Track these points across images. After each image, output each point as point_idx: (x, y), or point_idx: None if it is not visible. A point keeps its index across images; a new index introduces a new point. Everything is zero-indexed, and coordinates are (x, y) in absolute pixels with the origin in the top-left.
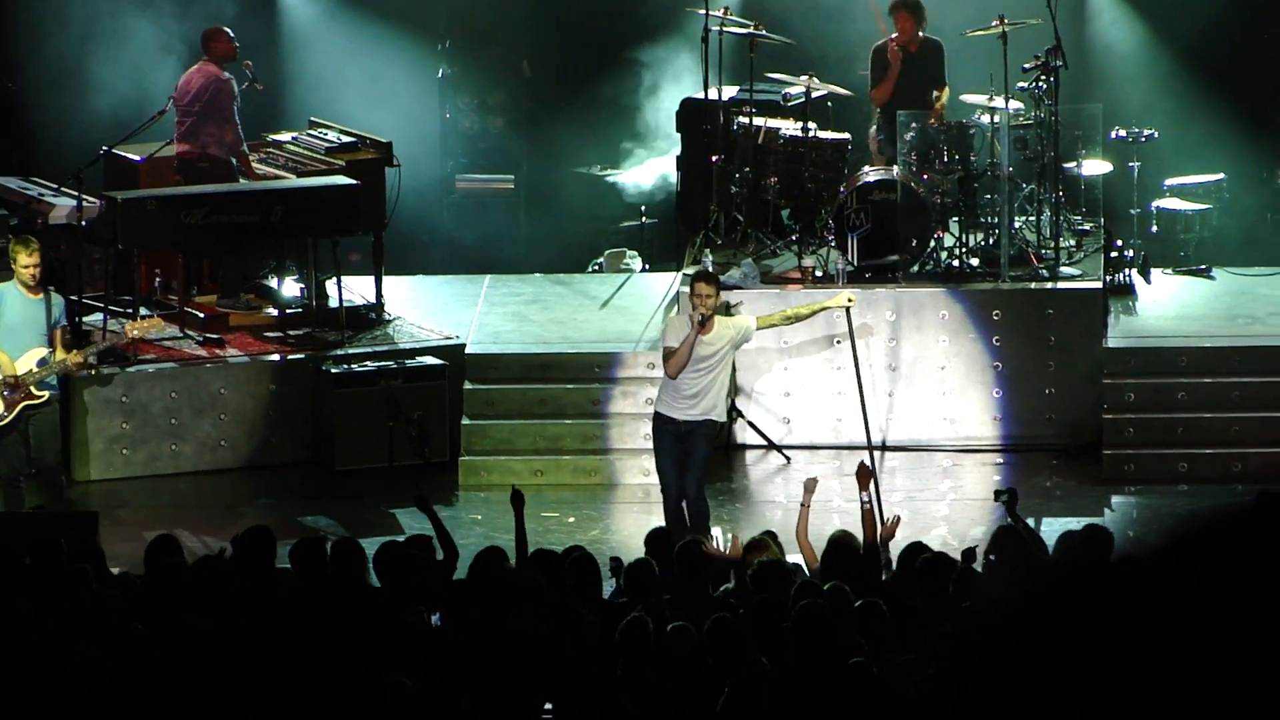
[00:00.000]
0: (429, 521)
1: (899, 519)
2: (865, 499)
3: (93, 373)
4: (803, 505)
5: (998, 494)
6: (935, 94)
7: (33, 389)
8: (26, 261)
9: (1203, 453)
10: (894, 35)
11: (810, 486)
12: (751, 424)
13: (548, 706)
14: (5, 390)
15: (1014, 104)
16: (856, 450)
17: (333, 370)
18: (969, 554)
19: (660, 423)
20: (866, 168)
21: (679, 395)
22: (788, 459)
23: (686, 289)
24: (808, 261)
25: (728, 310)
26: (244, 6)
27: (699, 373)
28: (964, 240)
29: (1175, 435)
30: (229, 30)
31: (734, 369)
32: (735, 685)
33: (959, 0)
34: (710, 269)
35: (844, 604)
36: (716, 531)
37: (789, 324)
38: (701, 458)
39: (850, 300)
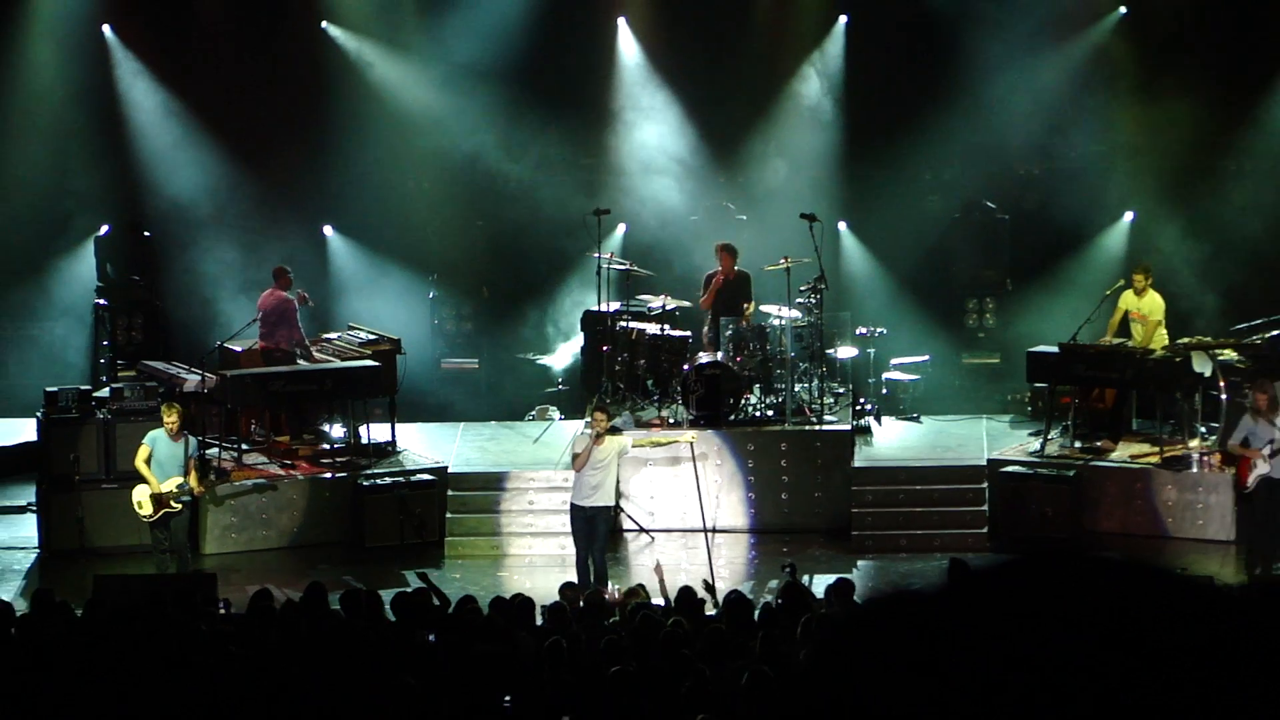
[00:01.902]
0: (427, 584)
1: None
2: (660, 572)
3: (209, 494)
4: (658, 571)
5: (783, 566)
6: (745, 306)
7: (172, 503)
8: (170, 418)
9: (914, 532)
10: (719, 269)
11: (659, 567)
12: (629, 515)
13: (506, 699)
14: (155, 502)
15: (794, 312)
16: (695, 532)
17: (363, 483)
18: (768, 605)
19: (574, 511)
20: (701, 353)
21: (584, 488)
22: (652, 538)
23: (590, 417)
24: (664, 413)
25: (614, 432)
26: (303, 246)
27: (596, 470)
28: (763, 400)
29: (897, 521)
30: (288, 268)
31: (618, 480)
32: (615, 679)
33: (760, 246)
34: (606, 410)
35: (688, 628)
36: (611, 585)
37: (654, 448)
38: (602, 534)
39: (693, 437)
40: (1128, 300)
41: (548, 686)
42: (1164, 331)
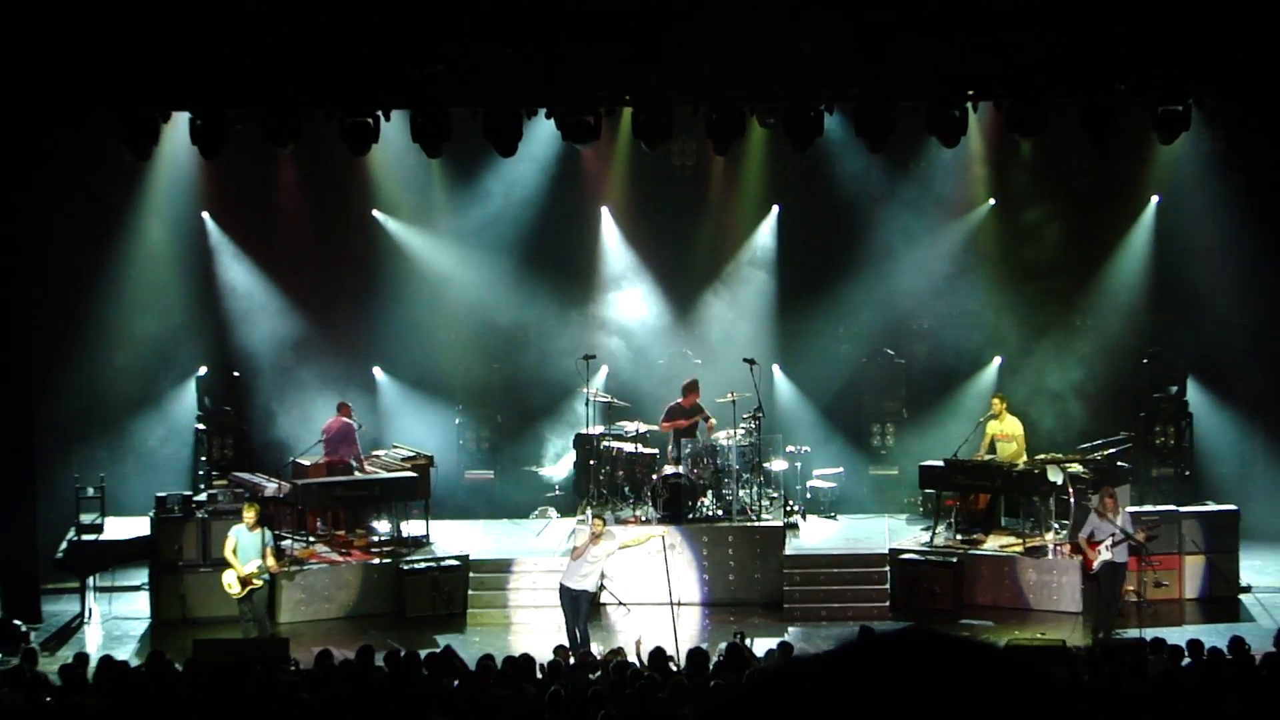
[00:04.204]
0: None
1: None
2: (639, 644)
3: (284, 573)
4: (637, 643)
5: (735, 634)
6: (709, 421)
7: (254, 580)
8: (250, 514)
9: (833, 605)
10: (681, 399)
11: (639, 641)
12: (610, 591)
13: None
14: (241, 583)
15: (739, 435)
16: (663, 605)
17: (404, 567)
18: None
19: (562, 590)
20: (666, 466)
21: (574, 574)
22: (628, 609)
23: (589, 521)
24: (637, 512)
25: (609, 536)
26: (357, 384)
27: (589, 563)
28: (714, 502)
29: (819, 596)
30: (349, 402)
31: (603, 570)
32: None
33: (711, 383)
34: (602, 518)
35: (660, 681)
36: (596, 646)
37: (637, 545)
38: (584, 611)
39: (665, 533)
40: (993, 427)
41: None
42: (1023, 447)
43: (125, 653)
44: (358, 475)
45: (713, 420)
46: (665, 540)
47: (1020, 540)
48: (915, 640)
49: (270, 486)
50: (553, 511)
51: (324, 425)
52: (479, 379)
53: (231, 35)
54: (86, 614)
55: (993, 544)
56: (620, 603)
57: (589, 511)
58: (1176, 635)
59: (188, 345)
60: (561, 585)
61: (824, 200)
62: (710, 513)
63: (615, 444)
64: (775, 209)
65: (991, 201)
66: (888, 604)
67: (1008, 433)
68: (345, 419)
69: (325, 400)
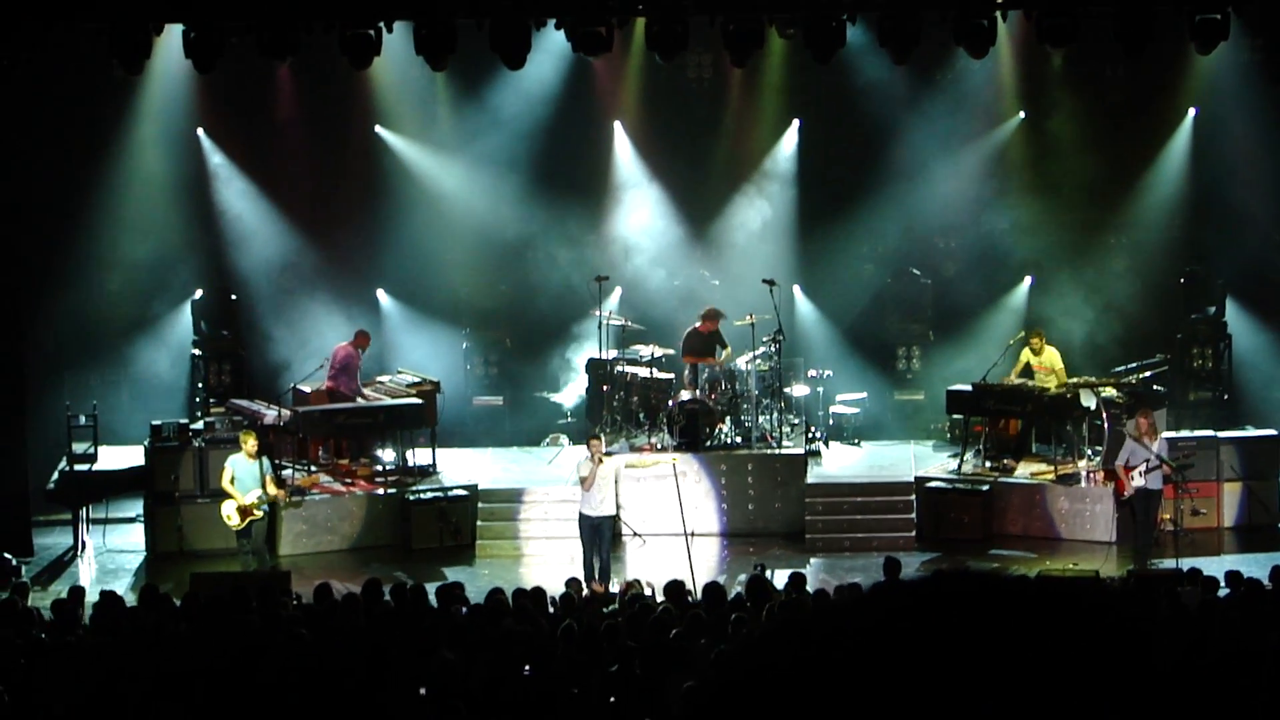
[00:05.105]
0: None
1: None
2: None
3: (288, 502)
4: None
5: (755, 565)
6: (724, 351)
7: (255, 511)
8: (249, 443)
9: (856, 535)
10: (699, 324)
11: (634, 583)
12: (625, 523)
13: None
14: (241, 514)
15: (759, 359)
16: (677, 536)
17: (410, 497)
18: (737, 597)
19: (582, 520)
20: (683, 392)
21: (591, 501)
22: (644, 540)
23: (588, 445)
24: (653, 440)
25: (611, 455)
26: (360, 307)
27: (598, 487)
28: (733, 429)
29: (842, 527)
30: (368, 330)
31: (616, 493)
32: (617, 657)
33: (729, 305)
34: (598, 436)
35: (676, 614)
36: (613, 579)
37: (645, 468)
38: (606, 538)
39: (675, 460)
40: (1028, 356)
41: (561, 660)
42: (1063, 379)
43: (120, 587)
44: (360, 402)
45: (728, 349)
46: (677, 467)
47: (1052, 467)
48: (955, 588)
49: (270, 414)
50: (565, 439)
51: (334, 349)
52: (487, 301)
53: None
54: (79, 547)
55: (1023, 471)
56: (635, 534)
57: (601, 438)
58: (1214, 565)
59: (183, 268)
60: (581, 514)
61: (846, 115)
62: (729, 440)
63: (629, 369)
64: (795, 124)
65: (1022, 115)
66: (913, 534)
67: (1047, 365)
68: (353, 348)
69: (329, 325)
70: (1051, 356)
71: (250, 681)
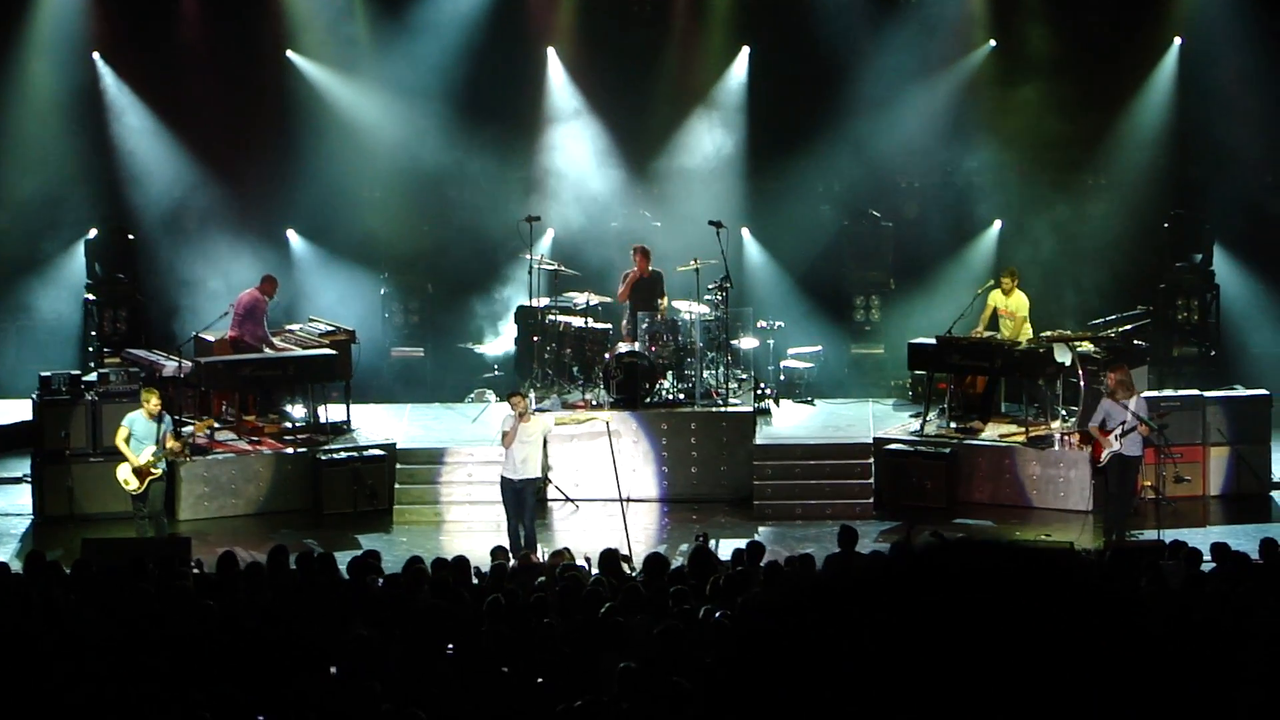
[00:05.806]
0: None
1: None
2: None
3: (186, 457)
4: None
5: (697, 535)
6: (660, 301)
7: (152, 469)
8: (152, 401)
9: (809, 502)
10: (634, 268)
11: (563, 552)
12: (556, 486)
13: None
14: (138, 475)
15: (703, 308)
16: (613, 502)
17: (321, 457)
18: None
19: (504, 484)
20: (620, 344)
21: (513, 462)
22: (576, 506)
23: (509, 401)
24: (588, 396)
25: (539, 412)
26: (268, 248)
27: (522, 445)
28: (675, 385)
29: (794, 492)
30: (276, 278)
31: (545, 454)
32: (545, 631)
33: (672, 249)
34: (520, 390)
35: (608, 585)
36: (540, 548)
37: (575, 426)
38: (530, 504)
39: (609, 417)
40: (996, 299)
41: (488, 638)
42: (1029, 326)
43: (4, 554)
44: (268, 353)
45: (664, 302)
46: (610, 425)
47: (1022, 429)
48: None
49: (169, 365)
50: (490, 394)
51: (238, 296)
52: (407, 243)
53: None
54: None
55: (991, 433)
56: (567, 499)
57: (530, 393)
58: (1199, 537)
59: (76, 204)
60: (502, 478)
61: (801, 41)
62: (671, 396)
63: (563, 318)
64: (745, 51)
65: (992, 43)
66: (871, 501)
67: (1011, 309)
68: (259, 293)
69: (234, 268)
70: (1019, 301)
71: (145, 658)
